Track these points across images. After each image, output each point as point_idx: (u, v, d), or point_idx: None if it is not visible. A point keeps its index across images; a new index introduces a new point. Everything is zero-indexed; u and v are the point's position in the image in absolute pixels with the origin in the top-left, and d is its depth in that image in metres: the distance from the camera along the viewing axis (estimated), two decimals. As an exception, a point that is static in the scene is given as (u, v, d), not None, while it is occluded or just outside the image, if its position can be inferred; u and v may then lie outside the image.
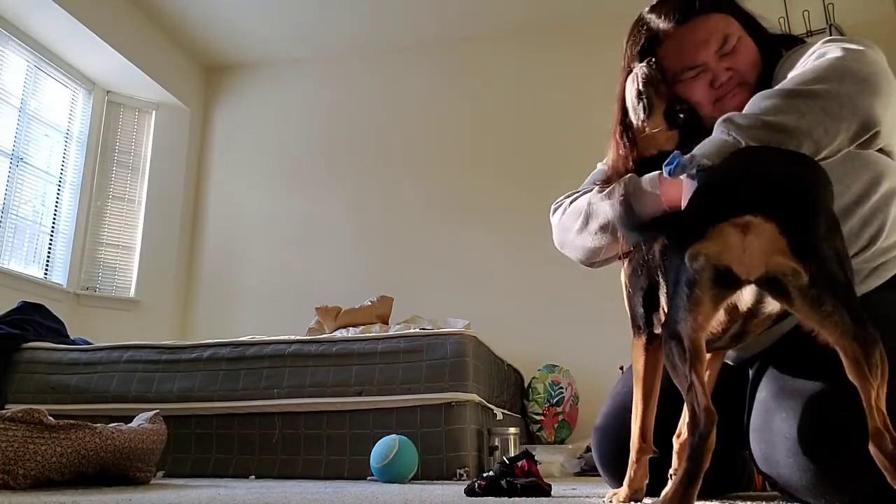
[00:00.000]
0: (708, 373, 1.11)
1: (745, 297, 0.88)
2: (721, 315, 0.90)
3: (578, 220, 1.32)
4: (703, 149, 1.06)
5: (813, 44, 1.22)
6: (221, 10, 4.34)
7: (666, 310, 0.92)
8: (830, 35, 3.33)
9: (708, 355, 1.13)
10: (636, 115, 1.28)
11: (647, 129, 1.26)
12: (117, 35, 4.11)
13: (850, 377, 0.81)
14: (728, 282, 0.85)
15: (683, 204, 1.06)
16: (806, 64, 1.15)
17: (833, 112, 1.04)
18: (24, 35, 3.84)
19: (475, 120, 4.44)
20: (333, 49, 4.73)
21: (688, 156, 1.01)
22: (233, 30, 4.55)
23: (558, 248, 1.43)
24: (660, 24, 1.33)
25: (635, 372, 1.14)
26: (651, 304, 1.10)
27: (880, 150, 1.18)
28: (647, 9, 1.38)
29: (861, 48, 1.13)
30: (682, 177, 1.02)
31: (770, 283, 0.83)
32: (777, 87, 1.11)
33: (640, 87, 1.28)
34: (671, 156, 1.03)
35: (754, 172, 0.92)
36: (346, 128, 4.66)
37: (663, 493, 0.83)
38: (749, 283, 0.84)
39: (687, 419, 0.86)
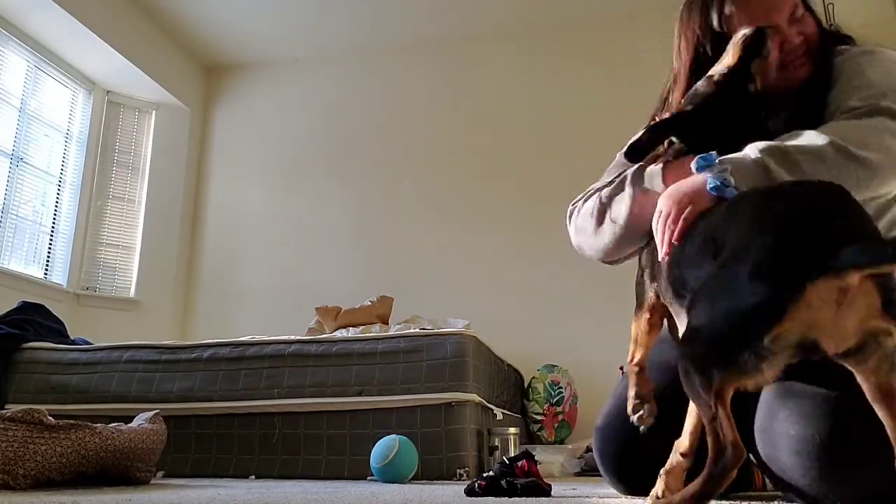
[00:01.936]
0: None
1: None
2: None
3: (592, 219, 1.33)
4: (735, 165, 1.06)
5: (868, 49, 1.24)
6: (221, 10, 4.33)
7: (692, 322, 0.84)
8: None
9: None
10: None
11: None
12: (117, 35, 4.10)
13: (871, 402, 0.80)
14: (808, 351, 0.76)
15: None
16: (867, 86, 1.16)
17: (864, 182, 1.07)
18: (24, 35, 3.84)
19: (475, 120, 4.44)
20: (333, 49, 4.72)
21: (719, 166, 1.03)
22: (233, 30, 4.55)
23: (577, 251, 1.42)
24: None
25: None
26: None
27: None
28: None
29: None
30: (703, 173, 1.04)
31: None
32: (827, 133, 1.09)
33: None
34: (708, 154, 1.04)
35: (832, 215, 0.80)
36: (346, 128, 4.66)
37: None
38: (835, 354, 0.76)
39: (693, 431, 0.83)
